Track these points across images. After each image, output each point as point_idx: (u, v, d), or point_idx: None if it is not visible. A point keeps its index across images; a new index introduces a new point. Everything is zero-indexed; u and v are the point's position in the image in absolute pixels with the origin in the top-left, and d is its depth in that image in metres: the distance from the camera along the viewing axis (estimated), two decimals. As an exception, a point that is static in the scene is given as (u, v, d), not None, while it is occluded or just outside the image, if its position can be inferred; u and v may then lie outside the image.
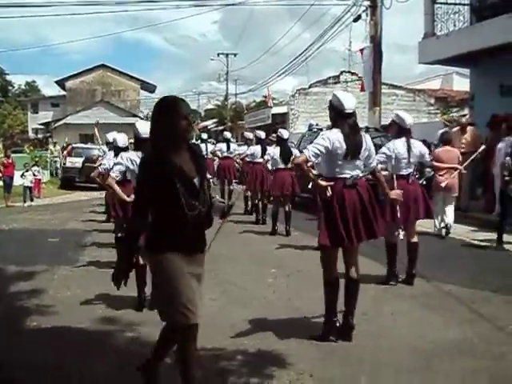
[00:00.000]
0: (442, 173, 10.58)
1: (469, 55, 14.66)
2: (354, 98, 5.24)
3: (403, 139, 7.00)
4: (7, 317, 5.93)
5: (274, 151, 11.50)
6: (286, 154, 11.11)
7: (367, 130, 13.99)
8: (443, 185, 10.12)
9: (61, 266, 8.31)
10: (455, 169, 10.20)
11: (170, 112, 3.53)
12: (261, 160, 12.41)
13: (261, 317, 5.76)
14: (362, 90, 19.44)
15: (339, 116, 5.04)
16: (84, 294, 6.78)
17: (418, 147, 7.19)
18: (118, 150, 7.94)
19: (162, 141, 3.52)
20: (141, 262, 6.18)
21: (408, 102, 30.81)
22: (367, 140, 5.14)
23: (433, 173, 9.43)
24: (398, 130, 7.08)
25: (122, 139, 8.14)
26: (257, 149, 12.99)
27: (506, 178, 9.40)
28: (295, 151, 11.33)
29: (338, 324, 5.11)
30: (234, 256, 9.00)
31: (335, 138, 4.96)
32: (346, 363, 4.67)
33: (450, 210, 10.80)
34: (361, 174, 5.12)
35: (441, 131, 13.54)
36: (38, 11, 59.75)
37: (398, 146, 6.99)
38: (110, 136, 9.81)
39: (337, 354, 4.83)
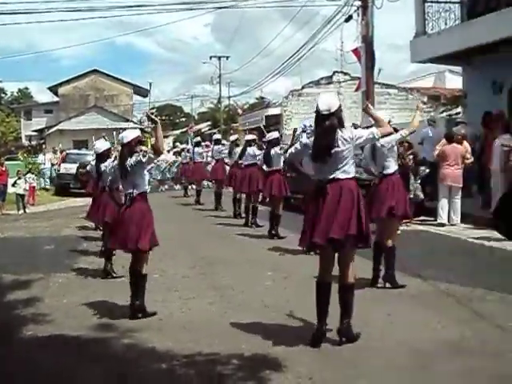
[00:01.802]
0: (447, 165, 11.07)
1: (461, 53, 14.70)
2: (335, 99, 5.05)
3: None
4: (3, 326, 5.88)
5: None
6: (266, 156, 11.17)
7: (355, 128, 14.01)
8: None
9: (57, 274, 8.26)
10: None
11: None
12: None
13: (258, 320, 5.73)
14: (357, 89, 19.45)
15: (316, 118, 5.01)
16: (80, 301, 6.73)
17: None
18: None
19: None
20: (143, 271, 6.19)
21: (401, 101, 30.84)
22: (346, 137, 4.87)
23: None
24: None
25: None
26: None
27: None
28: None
29: (325, 330, 5.02)
30: (230, 259, 8.97)
31: (307, 142, 5.10)
32: (344, 366, 4.66)
33: (456, 201, 11.24)
34: (333, 176, 4.87)
35: (424, 130, 13.60)
36: (28, 18, 59.48)
37: None
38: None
39: (335, 357, 4.81)
